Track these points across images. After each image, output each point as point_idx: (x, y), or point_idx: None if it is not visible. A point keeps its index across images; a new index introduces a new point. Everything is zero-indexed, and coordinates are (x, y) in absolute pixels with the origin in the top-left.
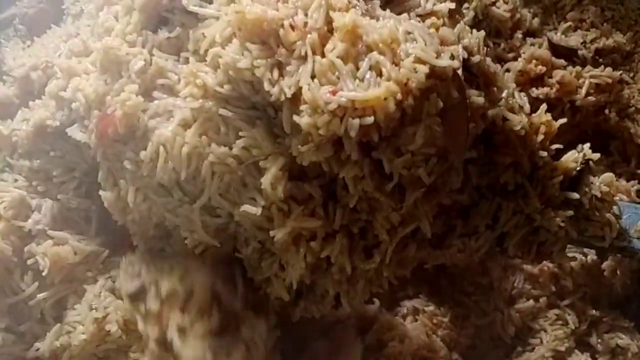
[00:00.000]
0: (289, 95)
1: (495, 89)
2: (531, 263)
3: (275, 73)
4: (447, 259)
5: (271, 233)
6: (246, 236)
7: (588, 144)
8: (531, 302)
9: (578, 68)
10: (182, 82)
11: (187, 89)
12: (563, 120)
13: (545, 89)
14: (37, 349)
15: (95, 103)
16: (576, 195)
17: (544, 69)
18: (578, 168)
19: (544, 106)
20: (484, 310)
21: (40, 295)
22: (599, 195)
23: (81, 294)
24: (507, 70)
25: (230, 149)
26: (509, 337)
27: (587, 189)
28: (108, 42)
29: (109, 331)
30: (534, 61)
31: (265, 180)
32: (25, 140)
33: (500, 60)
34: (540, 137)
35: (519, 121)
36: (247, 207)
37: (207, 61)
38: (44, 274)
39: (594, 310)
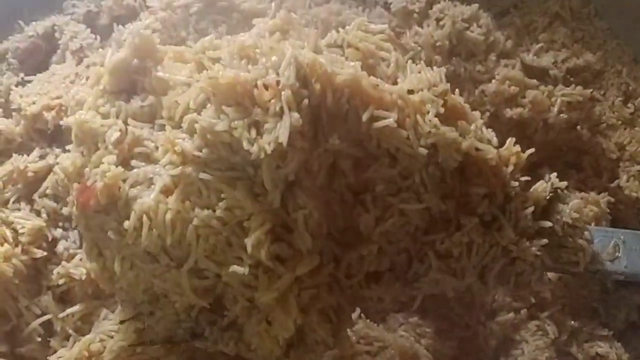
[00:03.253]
0: (269, 152)
1: (464, 122)
2: (511, 293)
3: (253, 132)
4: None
5: (256, 296)
6: (234, 294)
7: (555, 174)
8: (512, 314)
9: (550, 87)
10: (161, 150)
11: (166, 156)
12: (531, 151)
13: (519, 109)
14: (60, 357)
15: (74, 175)
16: (548, 224)
17: (517, 89)
18: (547, 197)
19: (511, 139)
20: (466, 323)
21: (70, 310)
22: (570, 221)
23: (110, 307)
24: (482, 92)
25: (214, 211)
26: (491, 349)
27: (558, 217)
28: (81, 116)
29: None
30: (507, 82)
31: (249, 243)
32: (54, 184)
33: (475, 82)
34: (511, 168)
35: (490, 150)
36: (234, 268)
37: (184, 127)
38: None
39: (573, 321)
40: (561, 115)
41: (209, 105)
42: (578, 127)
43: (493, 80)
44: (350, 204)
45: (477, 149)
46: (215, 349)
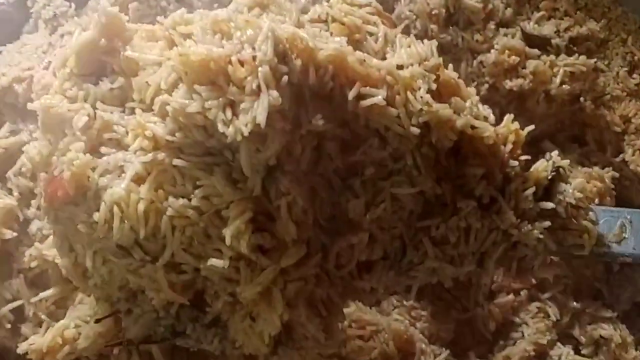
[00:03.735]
0: (246, 134)
1: (458, 98)
2: (513, 280)
3: (229, 113)
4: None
5: (238, 290)
6: (215, 289)
7: (556, 152)
8: (511, 296)
9: (552, 57)
10: (131, 135)
11: (136, 142)
12: (530, 128)
13: (519, 80)
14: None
15: (41, 165)
16: (551, 205)
17: (518, 59)
18: (549, 177)
19: (509, 116)
20: (464, 306)
21: (43, 294)
22: (573, 202)
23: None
24: (481, 63)
25: (189, 200)
26: (489, 332)
27: (560, 197)
28: (47, 101)
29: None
30: (507, 52)
31: (228, 233)
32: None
33: (473, 52)
34: (509, 146)
35: (487, 127)
36: (213, 261)
37: (155, 110)
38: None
39: (575, 302)
40: (563, 86)
41: (181, 85)
42: (581, 98)
43: (492, 50)
44: (338, 190)
45: (472, 127)
46: (198, 348)
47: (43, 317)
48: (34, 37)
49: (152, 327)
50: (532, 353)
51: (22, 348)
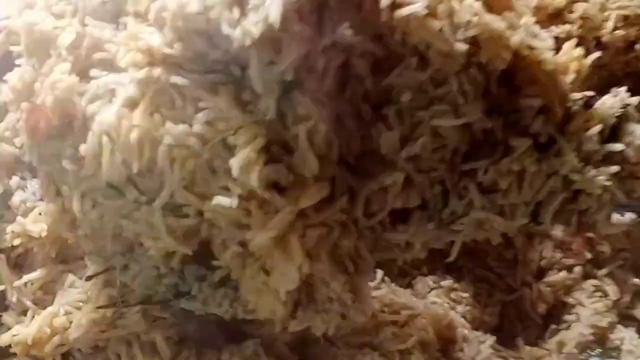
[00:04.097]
0: (256, 35)
1: (512, 13)
2: (571, 236)
3: (236, 11)
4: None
5: (247, 236)
6: (223, 238)
7: (624, 87)
8: (563, 273)
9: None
10: (122, 50)
11: (128, 56)
12: (596, 55)
13: (567, 26)
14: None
15: (25, 95)
16: (619, 147)
17: (564, 2)
18: (617, 115)
19: (572, 41)
20: (509, 286)
21: (28, 277)
22: None
23: (78, 272)
24: None
25: (191, 126)
26: (539, 315)
27: (630, 139)
28: (30, 17)
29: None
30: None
31: (235, 164)
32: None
33: None
34: (571, 76)
35: (547, 48)
36: (219, 200)
37: (150, 19)
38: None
39: (636, 279)
40: (617, 32)
41: None
42: (637, 46)
43: None
44: (368, 120)
45: (530, 47)
46: (205, 311)
47: (28, 303)
48: None
49: (152, 286)
50: (591, 337)
51: (3, 340)
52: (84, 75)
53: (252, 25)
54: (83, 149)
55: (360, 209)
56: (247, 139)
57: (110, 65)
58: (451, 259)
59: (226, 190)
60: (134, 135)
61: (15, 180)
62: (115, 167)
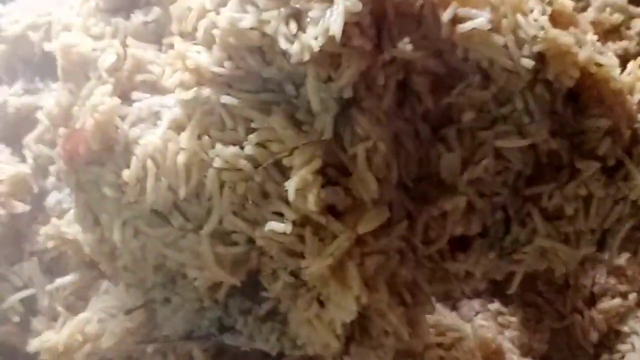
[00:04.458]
0: (316, 49)
1: (577, 29)
2: (618, 282)
3: (293, 25)
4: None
5: (303, 264)
6: (273, 267)
7: None
8: (617, 300)
9: None
10: (168, 71)
11: (174, 76)
12: None
13: (624, 43)
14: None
15: (60, 119)
16: None
17: (621, 17)
18: None
19: (636, 61)
20: (559, 312)
21: (60, 282)
22: None
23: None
24: None
25: (242, 148)
26: (590, 344)
27: None
28: (67, 39)
29: None
30: (607, 9)
31: (291, 187)
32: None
33: None
34: (638, 96)
35: (614, 66)
36: (272, 225)
37: (198, 37)
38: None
39: None
40: None
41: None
42: None
43: (589, 9)
44: (427, 141)
45: (597, 64)
46: (251, 347)
47: (60, 309)
48: None
49: (194, 320)
50: None
51: (33, 346)
52: (125, 98)
53: (312, 39)
54: (126, 174)
55: (419, 236)
56: (303, 161)
57: (153, 88)
58: (511, 291)
59: (279, 216)
60: (181, 159)
61: (51, 180)
62: (160, 192)
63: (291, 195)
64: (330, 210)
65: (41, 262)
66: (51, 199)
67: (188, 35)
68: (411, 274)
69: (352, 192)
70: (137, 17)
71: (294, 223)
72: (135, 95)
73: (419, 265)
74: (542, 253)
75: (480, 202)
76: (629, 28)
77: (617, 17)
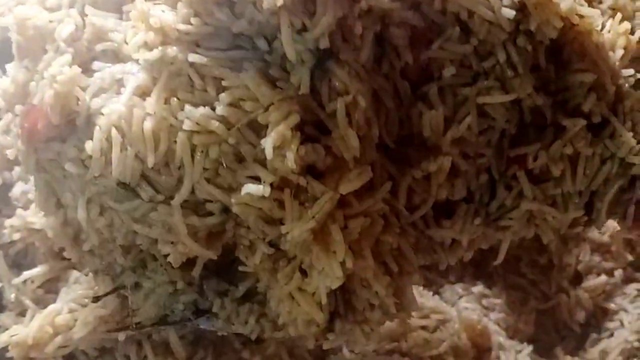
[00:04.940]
0: None
1: None
2: (628, 231)
3: None
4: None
5: (282, 229)
6: (251, 238)
7: None
8: (603, 277)
9: None
10: (130, 34)
11: (137, 37)
12: None
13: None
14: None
15: (17, 98)
16: None
17: None
18: None
19: (619, 14)
20: (544, 293)
21: (28, 274)
22: None
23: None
24: None
25: (213, 109)
26: (577, 323)
27: None
28: (21, 12)
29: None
30: None
31: (267, 145)
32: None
33: None
34: (620, 52)
35: (596, 17)
36: (249, 188)
37: None
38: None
39: None
40: None
41: None
42: None
43: None
44: (408, 99)
45: (580, 15)
46: (228, 331)
47: (27, 302)
48: None
49: (168, 304)
50: (637, 344)
51: (0, 341)
52: (86, 69)
53: None
54: (89, 147)
55: (403, 200)
56: (280, 117)
57: (115, 56)
58: (498, 261)
59: (255, 180)
60: (147, 125)
61: (16, 171)
62: (127, 163)
63: (268, 153)
64: (309, 171)
65: (7, 256)
66: (16, 190)
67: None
68: (396, 242)
69: (332, 151)
70: None
71: (271, 186)
72: (96, 65)
73: (404, 233)
74: (529, 218)
75: (464, 164)
76: (600, 2)
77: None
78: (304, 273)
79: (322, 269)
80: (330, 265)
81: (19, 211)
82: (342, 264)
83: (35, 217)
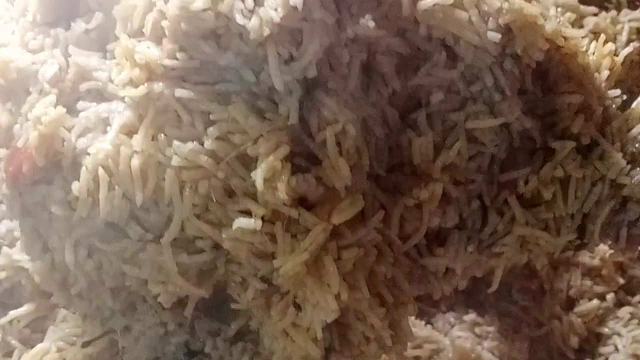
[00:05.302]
0: (276, 19)
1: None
2: (621, 254)
3: (249, 1)
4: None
5: (275, 263)
6: (242, 275)
7: None
8: (595, 301)
9: (613, 12)
10: (115, 72)
11: (122, 74)
12: (628, 50)
13: None
14: None
15: (1, 142)
16: None
17: (573, 16)
18: None
19: (602, 36)
20: (537, 320)
21: (14, 314)
22: None
23: None
24: None
25: (201, 143)
26: (571, 349)
27: None
28: (3, 55)
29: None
30: (559, 9)
31: (258, 177)
32: None
33: None
34: (605, 73)
35: (580, 39)
36: (240, 223)
37: (146, 31)
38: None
39: None
40: (630, 44)
41: None
42: None
43: None
44: (397, 127)
45: (564, 38)
46: None
47: (14, 342)
48: None
49: (159, 346)
50: None
51: None
52: (70, 109)
53: (272, 11)
54: (75, 188)
55: (395, 229)
56: (269, 148)
57: (100, 95)
58: (492, 289)
59: (246, 214)
60: (135, 163)
61: (1, 209)
62: (115, 202)
63: (259, 185)
64: (300, 202)
65: None
66: (1, 227)
67: (134, 35)
68: (390, 272)
69: (322, 181)
70: (78, 26)
71: (262, 219)
72: (80, 105)
73: (398, 263)
74: (522, 244)
75: (455, 190)
76: (581, 27)
77: (570, 16)
78: (298, 308)
79: (317, 302)
80: (325, 299)
81: (5, 249)
82: (337, 296)
83: (21, 254)
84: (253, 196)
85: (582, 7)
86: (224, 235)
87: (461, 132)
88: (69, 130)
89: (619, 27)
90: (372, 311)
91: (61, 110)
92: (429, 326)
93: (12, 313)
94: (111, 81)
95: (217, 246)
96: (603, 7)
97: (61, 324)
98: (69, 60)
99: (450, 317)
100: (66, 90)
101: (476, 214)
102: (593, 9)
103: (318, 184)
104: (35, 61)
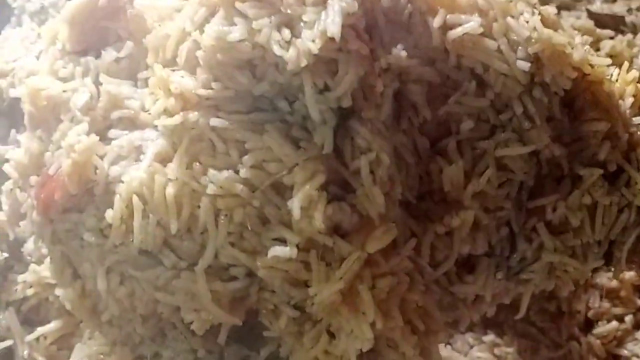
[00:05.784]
0: (315, 51)
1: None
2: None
3: (286, 31)
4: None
5: (310, 291)
6: (275, 302)
7: None
8: (614, 323)
9: (629, 36)
10: (150, 101)
11: (157, 104)
12: None
13: None
14: None
15: (32, 169)
16: None
17: (590, 39)
18: None
19: (626, 63)
20: (555, 341)
21: (41, 330)
22: None
23: None
24: None
25: (236, 172)
26: None
27: None
28: (34, 83)
29: None
30: (576, 32)
31: (295, 205)
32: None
33: None
34: (629, 100)
35: (606, 67)
36: (276, 251)
37: (180, 61)
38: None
39: None
40: None
41: (218, 13)
42: None
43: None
44: (427, 155)
45: (591, 65)
46: None
47: (40, 359)
48: (18, 31)
49: None
50: None
51: None
52: (102, 137)
53: (309, 42)
54: (109, 215)
55: (426, 256)
56: (305, 177)
57: (131, 123)
58: (520, 315)
59: (281, 243)
60: (170, 191)
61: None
62: (149, 230)
63: (296, 214)
64: (335, 230)
65: (19, 312)
66: (29, 245)
67: (166, 64)
68: (421, 300)
69: (357, 209)
70: (109, 54)
71: (298, 247)
72: (112, 133)
73: (428, 290)
74: (550, 270)
75: (485, 217)
76: (598, 50)
77: (587, 38)
78: (331, 335)
79: (351, 331)
80: (359, 327)
81: (33, 266)
82: (372, 325)
83: (48, 271)
84: (288, 224)
85: (598, 30)
86: (258, 263)
87: (491, 159)
88: (102, 158)
89: (635, 50)
90: (405, 339)
91: (94, 138)
92: (448, 347)
93: (39, 330)
94: (143, 109)
95: (250, 273)
96: (619, 31)
97: (88, 341)
98: (100, 89)
99: (470, 337)
100: (98, 118)
101: (505, 240)
102: (609, 32)
103: (352, 212)
104: (66, 89)
